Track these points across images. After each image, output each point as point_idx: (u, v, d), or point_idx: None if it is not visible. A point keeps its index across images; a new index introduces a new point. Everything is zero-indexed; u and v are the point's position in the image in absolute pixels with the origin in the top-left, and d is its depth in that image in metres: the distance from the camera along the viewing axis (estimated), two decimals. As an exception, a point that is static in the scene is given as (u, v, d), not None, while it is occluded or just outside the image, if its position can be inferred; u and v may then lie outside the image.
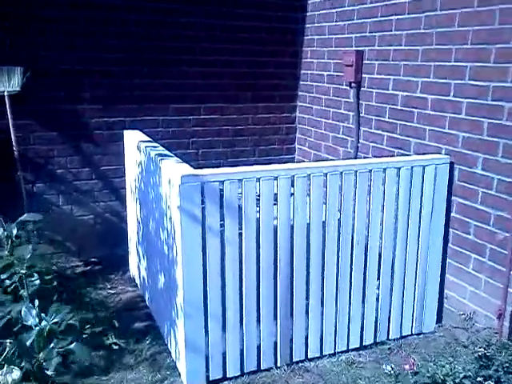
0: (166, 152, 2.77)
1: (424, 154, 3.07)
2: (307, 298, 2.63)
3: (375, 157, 3.56)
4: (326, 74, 4.08)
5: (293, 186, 2.45)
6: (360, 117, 3.69)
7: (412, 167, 2.74)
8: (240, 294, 2.44)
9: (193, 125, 4.14)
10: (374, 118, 3.55)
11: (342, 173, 2.56)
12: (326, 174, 2.52)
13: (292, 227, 2.49)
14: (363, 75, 3.62)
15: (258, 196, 2.39)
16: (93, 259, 3.83)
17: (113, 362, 2.63)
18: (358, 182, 2.60)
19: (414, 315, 2.98)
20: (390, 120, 3.38)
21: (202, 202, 2.27)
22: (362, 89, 3.65)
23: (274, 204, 2.43)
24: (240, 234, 2.38)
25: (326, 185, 2.53)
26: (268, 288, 2.50)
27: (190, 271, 2.29)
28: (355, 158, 3.74)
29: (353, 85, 3.69)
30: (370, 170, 2.64)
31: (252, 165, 4.33)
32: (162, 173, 2.52)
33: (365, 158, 3.66)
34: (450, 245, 2.99)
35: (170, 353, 2.70)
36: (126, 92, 3.85)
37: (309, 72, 4.31)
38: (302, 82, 4.43)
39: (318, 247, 2.58)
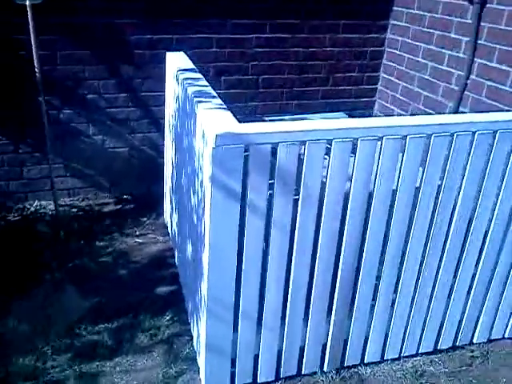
0: (209, 90, 2.05)
1: None
2: (375, 294, 1.96)
3: (490, 99, 2.63)
4: (433, -18, 3.05)
5: (378, 152, 1.69)
6: (477, 44, 2.71)
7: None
8: (285, 290, 1.82)
9: (255, 45, 3.33)
10: (499, 47, 2.57)
11: (453, 134, 1.75)
12: (431, 135, 1.73)
13: (369, 205, 1.77)
14: (491, -15, 2.60)
15: (324, 166, 1.66)
16: (125, 196, 3.33)
17: (122, 342, 2.16)
18: (475, 146, 1.79)
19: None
20: (524, 52, 2.41)
21: (245, 170, 1.59)
22: (487, 5, 2.64)
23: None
24: (293, 217, 1.69)
25: (428, 148, 1.75)
26: (324, 282, 1.85)
27: (219, 262, 1.67)
28: (460, 98, 2.82)
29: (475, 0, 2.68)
30: (495, 132, 1.80)
31: (323, 97, 3.84)
32: (196, 120, 1.83)
33: (474, 99, 2.74)
34: None
35: (192, 338, 2.18)
36: (173, 3, 3.08)
37: (409, -21, 3.28)
38: (398, -7, 3.41)
39: (400, 228, 1.85)
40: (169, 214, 2.97)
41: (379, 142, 1.68)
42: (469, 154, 1.80)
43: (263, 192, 1.62)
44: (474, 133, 1.77)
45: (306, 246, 1.76)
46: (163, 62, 2.92)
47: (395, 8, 3.46)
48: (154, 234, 3.01)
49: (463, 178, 1.83)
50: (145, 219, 3.16)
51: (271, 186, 1.63)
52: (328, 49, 3.49)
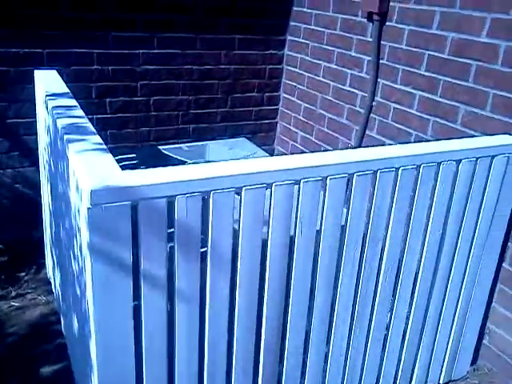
0: (84, 122, 1.65)
1: (484, 132, 2.07)
2: (305, 350, 1.69)
3: (397, 123, 2.53)
4: (331, -2, 2.92)
5: (297, 195, 1.43)
6: (380, 64, 2.60)
7: (477, 159, 1.74)
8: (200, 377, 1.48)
9: (143, 62, 2.96)
10: (402, 67, 2.47)
11: (376, 172, 1.54)
12: (353, 174, 1.50)
13: (291, 252, 1.50)
14: (391, 3, 2.50)
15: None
16: (-4, 247, 2.78)
17: None
18: (400, 182, 1.60)
19: (445, 358, 2.12)
20: (429, 74, 2.33)
21: (135, 232, 1.23)
22: (387, 24, 2.54)
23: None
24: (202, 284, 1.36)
25: (351, 187, 1.52)
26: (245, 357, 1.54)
27: (111, 351, 1.28)
28: (366, 121, 2.70)
29: (374, 17, 2.56)
30: (419, 166, 1.63)
31: (222, 120, 3.58)
32: (69, 165, 1.43)
33: (381, 122, 2.62)
34: (505, 265, 2.09)
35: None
36: (45, 10, 2.61)
37: (306, -6, 3.13)
38: (296, 8, 3.24)
39: (327, 275, 1.60)
40: (51, 268, 2.48)
41: (296, 186, 1.42)
42: (394, 191, 1.61)
43: (161, 259, 1.27)
44: (397, 169, 1.58)
45: (220, 316, 1.43)
46: (33, 82, 2.43)
47: (292, 23, 3.29)
48: (34, 293, 2.49)
49: (390, 217, 1.64)
50: (23, 274, 2.62)
51: (172, 239, 1.29)
52: (224, 66, 3.22)
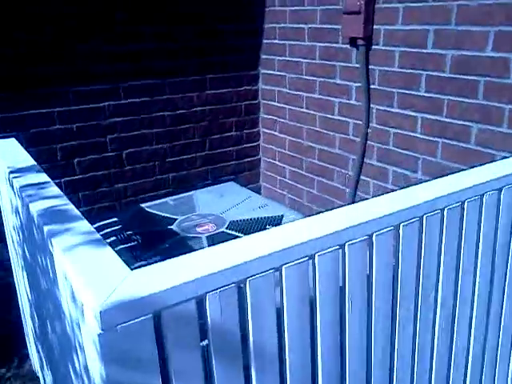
0: (63, 203, 1.35)
1: (503, 149, 1.90)
2: None
3: (399, 148, 2.34)
4: (306, 27, 2.74)
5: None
6: (371, 89, 2.43)
7: (515, 185, 1.55)
8: None
9: (110, 114, 2.68)
10: (397, 90, 2.30)
11: (422, 217, 1.31)
12: (399, 225, 1.27)
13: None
14: (375, 26, 2.34)
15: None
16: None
17: None
18: (446, 223, 1.38)
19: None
20: (430, 94, 2.16)
21: (161, 346, 0.94)
22: (373, 47, 2.37)
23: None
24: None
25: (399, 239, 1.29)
26: None
27: None
28: (364, 149, 2.50)
29: (359, 42, 2.39)
30: (463, 202, 1.42)
31: (203, 165, 3.31)
32: (55, 266, 1.13)
33: (381, 149, 2.43)
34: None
35: None
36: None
37: (277, 26, 2.95)
38: (266, 41, 3.06)
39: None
40: (37, 362, 2.12)
41: (340, 250, 1.17)
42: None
43: (196, 379, 0.98)
44: (442, 209, 1.36)
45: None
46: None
47: (264, 56, 3.10)
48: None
49: (440, 263, 1.41)
50: (3, 370, 2.25)
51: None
52: (198, 108, 2.98)
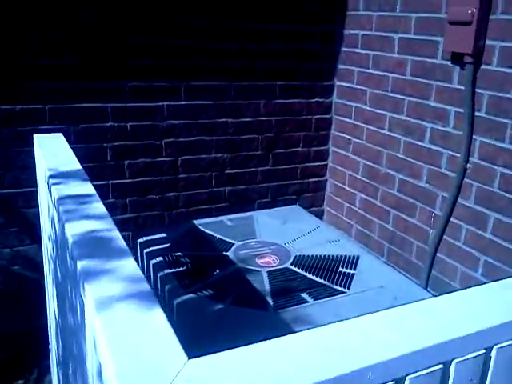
0: (108, 227, 1.05)
1: None
2: None
3: (507, 192, 1.94)
4: (397, 36, 2.39)
5: None
6: (475, 117, 2.04)
7: None
8: None
9: (168, 116, 2.41)
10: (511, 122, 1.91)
11: None
12: None
13: None
14: (488, 42, 1.96)
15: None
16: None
17: None
18: None
19: None
20: (559, 131, 1.76)
21: None
22: (483, 67, 1.99)
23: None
24: None
25: None
26: None
27: None
28: (459, 187, 2.11)
29: (466, 59, 2.02)
30: None
31: (264, 180, 2.66)
32: (86, 326, 0.83)
33: (482, 190, 2.04)
34: None
35: None
36: (45, 58, 2.08)
37: (360, 33, 2.61)
38: (345, 49, 2.73)
39: None
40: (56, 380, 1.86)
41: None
42: None
43: None
44: None
45: None
46: (32, 145, 1.87)
47: (342, 66, 2.76)
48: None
49: None
50: (21, 382, 2.01)
51: None
52: (264, 118, 2.67)
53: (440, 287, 2.25)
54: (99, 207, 1.16)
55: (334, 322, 1.16)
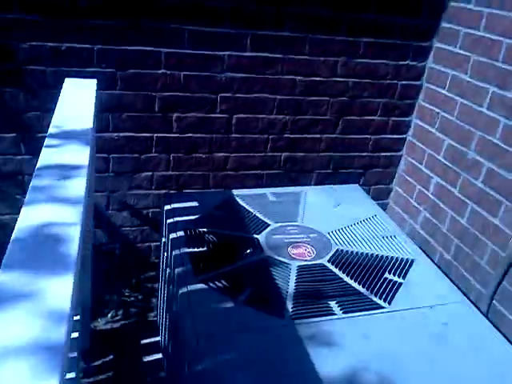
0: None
1: None
2: None
3: None
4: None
5: None
6: None
7: None
8: None
9: (228, 67, 2.15)
10: None
11: None
12: None
13: None
14: None
15: None
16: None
17: None
18: None
19: None
20: None
21: None
22: None
23: None
24: None
25: None
26: None
27: None
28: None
29: None
30: None
31: (327, 149, 2.33)
32: None
33: None
34: None
35: None
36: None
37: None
38: (453, 3, 2.24)
39: None
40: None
41: None
42: None
43: None
44: None
45: None
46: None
47: (446, 24, 2.29)
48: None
49: None
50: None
51: None
52: (340, 79, 2.32)
53: (509, 303, 1.86)
54: (77, 187, 0.98)
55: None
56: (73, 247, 0.78)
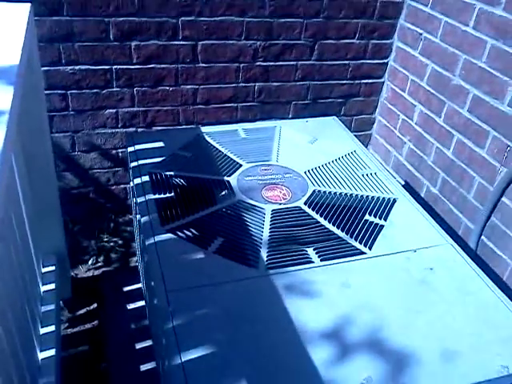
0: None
1: None
2: None
3: None
4: None
5: None
6: None
7: None
8: None
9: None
10: None
11: None
12: None
13: None
14: None
15: None
16: None
17: None
18: None
19: None
20: None
21: None
22: None
23: None
24: None
25: None
26: None
27: None
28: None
29: None
30: None
31: (303, 78, 2.12)
32: None
33: None
34: None
35: None
36: None
37: None
38: None
39: None
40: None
41: None
42: None
43: None
44: None
45: None
46: None
47: None
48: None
49: None
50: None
51: None
52: (314, -3, 2.10)
53: (498, 239, 1.81)
54: None
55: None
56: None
